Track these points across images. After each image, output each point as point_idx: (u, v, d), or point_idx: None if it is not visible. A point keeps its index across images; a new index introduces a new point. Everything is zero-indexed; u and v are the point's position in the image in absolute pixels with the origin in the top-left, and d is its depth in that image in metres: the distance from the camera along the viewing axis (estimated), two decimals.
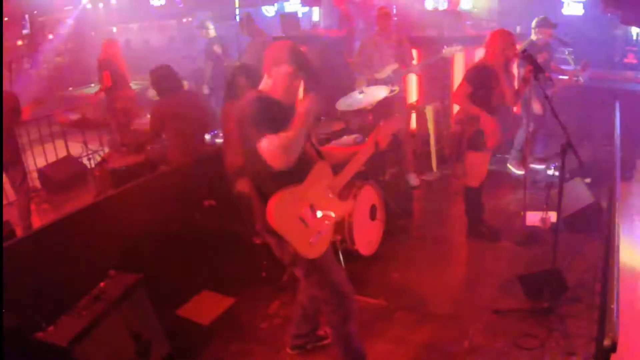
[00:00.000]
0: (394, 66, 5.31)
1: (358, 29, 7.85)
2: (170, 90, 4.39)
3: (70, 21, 10.42)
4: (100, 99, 6.64)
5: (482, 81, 3.89)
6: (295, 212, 2.40)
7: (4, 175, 4.73)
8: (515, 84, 4.11)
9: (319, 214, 2.50)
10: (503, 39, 3.85)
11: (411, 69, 5.49)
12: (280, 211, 2.35)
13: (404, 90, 5.71)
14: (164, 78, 4.41)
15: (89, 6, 9.83)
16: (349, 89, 5.24)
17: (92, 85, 8.89)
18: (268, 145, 2.24)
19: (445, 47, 5.12)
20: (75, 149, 6.51)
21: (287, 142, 2.25)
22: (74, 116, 6.04)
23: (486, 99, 3.91)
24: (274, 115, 2.32)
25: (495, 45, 3.87)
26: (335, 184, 2.63)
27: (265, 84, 2.49)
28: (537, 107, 5.16)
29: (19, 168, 4.71)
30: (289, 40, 2.55)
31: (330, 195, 2.59)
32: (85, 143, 5.06)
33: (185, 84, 5.53)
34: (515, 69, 4.95)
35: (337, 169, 2.67)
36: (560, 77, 5.52)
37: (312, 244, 2.45)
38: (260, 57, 2.59)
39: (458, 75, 5.91)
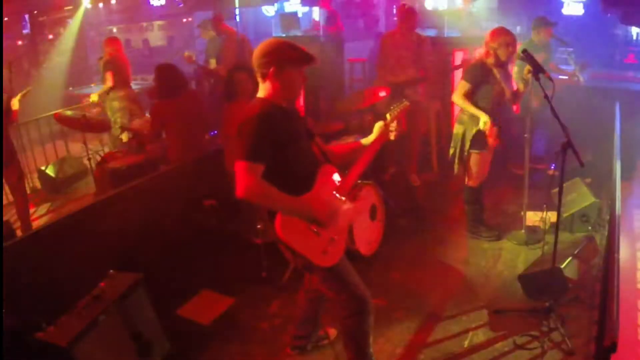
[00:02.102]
0: (411, 71, 5.22)
1: (358, 28, 7.85)
2: (173, 91, 4.37)
3: (70, 21, 10.42)
4: (102, 98, 6.62)
5: (480, 78, 3.89)
6: (305, 222, 2.31)
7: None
8: (514, 84, 4.11)
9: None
10: (497, 37, 3.85)
11: (426, 77, 5.39)
12: (289, 223, 2.26)
13: (418, 94, 5.52)
14: (169, 78, 4.40)
15: (89, 6, 9.82)
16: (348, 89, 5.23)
17: (92, 85, 8.89)
18: (245, 173, 2.15)
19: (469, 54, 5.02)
20: (75, 149, 6.51)
21: (264, 197, 2.20)
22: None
23: (487, 96, 3.91)
24: (275, 129, 2.24)
25: (490, 43, 3.88)
26: (345, 184, 2.53)
27: (269, 90, 2.34)
28: (534, 102, 5.13)
29: (14, 168, 4.68)
30: (279, 39, 2.39)
31: (340, 199, 2.50)
32: (85, 143, 5.06)
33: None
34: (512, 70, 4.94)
35: (343, 167, 2.60)
36: (560, 77, 5.52)
37: (326, 253, 2.36)
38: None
39: (458, 75, 5.92)
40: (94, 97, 6.30)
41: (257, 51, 2.35)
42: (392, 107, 2.72)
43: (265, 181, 2.20)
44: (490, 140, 3.92)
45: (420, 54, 5.26)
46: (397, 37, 5.28)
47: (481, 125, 3.87)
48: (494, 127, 3.86)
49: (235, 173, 2.19)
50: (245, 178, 2.16)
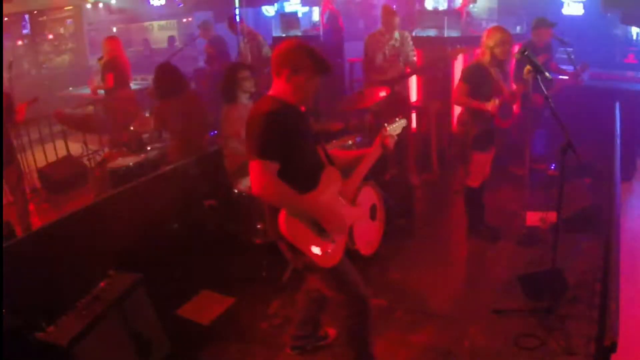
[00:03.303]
0: (398, 68, 5.29)
1: (358, 28, 7.85)
2: (173, 91, 4.36)
3: (70, 21, 10.43)
4: (99, 98, 6.63)
5: (478, 78, 3.88)
6: (309, 221, 2.33)
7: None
8: (513, 83, 4.11)
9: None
10: (493, 35, 3.84)
11: (415, 72, 5.47)
12: (294, 221, 2.27)
13: (407, 90, 5.70)
14: (169, 79, 4.39)
15: (89, 6, 9.83)
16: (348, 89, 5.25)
17: None
18: (261, 172, 2.18)
19: (449, 48, 5.12)
20: (75, 149, 6.51)
21: (279, 196, 2.22)
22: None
23: (487, 96, 3.90)
24: (285, 127, 2.26)
25: (486, 43, 3.87)
26: (346, 189, 2.57)
27: (281, 90, 2.36)
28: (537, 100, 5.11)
29: (14, 168, 4.68)
30: (302, 42, 2.40)
31: (342, 201, 2.52)
32: (85, 143, 5.06)
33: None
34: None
35: (344, 173, 2.62)
36: (560, 77, 5.52)
37: (328, 253, 2.38)
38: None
39: (458, 75, 5.91)
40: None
41: (278, 48, 2.39)
42: (387, 123, 2.74)
43: (280, 180, 2.22)
44: (501, 122, 3.87)
45: (403, 52, 5.39)
46: (378, 37, 5.42)
47: (490, 107, 3.78)
48: (497, 109, 3.81)
49: (250, 172, 2.21)
50: (261, 177, 2.19)
